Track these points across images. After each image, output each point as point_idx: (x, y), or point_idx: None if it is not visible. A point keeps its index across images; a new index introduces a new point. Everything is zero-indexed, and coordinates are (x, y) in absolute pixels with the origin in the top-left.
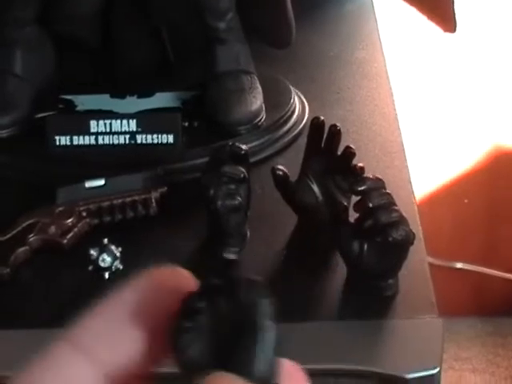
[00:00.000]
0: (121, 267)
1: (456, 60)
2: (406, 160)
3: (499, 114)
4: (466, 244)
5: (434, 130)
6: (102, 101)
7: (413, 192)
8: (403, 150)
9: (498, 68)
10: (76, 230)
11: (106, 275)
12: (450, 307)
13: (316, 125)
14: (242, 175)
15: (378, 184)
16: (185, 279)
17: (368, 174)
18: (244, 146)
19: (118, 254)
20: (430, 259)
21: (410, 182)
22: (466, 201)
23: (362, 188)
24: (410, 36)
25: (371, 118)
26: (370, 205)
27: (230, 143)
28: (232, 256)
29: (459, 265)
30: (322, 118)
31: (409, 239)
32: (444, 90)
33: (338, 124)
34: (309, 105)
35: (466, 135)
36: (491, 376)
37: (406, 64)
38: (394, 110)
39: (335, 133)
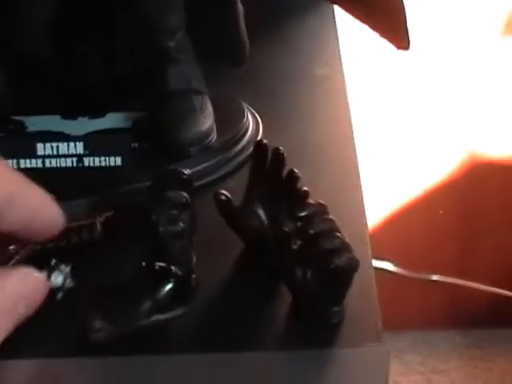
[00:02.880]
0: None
1: (426, 72)
2: (359, 180)
3: (473, 125)
4: (441, 256)
5: (407, 141)
6: (53, 122)
7: (364, 213)
8: (358, 170)
9: (468, 79)
10: (18, 257)
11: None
12: (427, 320)
13: (259, 148)
14: (185, 200)
15: (320, 209)
16: None
17: (315, 197)
18: (187, 171)
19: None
20: (405, 272)
21: (363, 203)
22: (441, 212)
23: (303, 214)
24: (371, 52)
25: (327, 137)
26: (312, 231)
27: (172, 167)
28: None
29: (435, 277)
30: (266, 141)
31: (352, 266)
32: (416, 102)
33: (281, 147)
34: (264, 124)
35: (439, 146)
36: None
37: (369, 79)
38: (351, 128)
39: (279, 156)
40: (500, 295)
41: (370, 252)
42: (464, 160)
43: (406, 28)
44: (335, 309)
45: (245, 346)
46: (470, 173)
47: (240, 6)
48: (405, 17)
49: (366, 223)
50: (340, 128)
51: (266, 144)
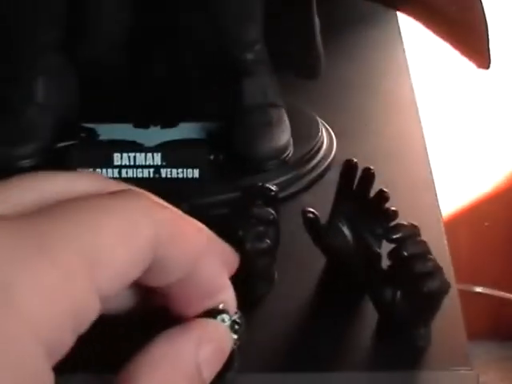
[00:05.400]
0: None
1: (481, 91)
2: (436, 199)
3: None
4: (485, 268)
5: (453, 153)
6: (125, 131)
7: (443, 233)
8: (434, 187)
9: None
10: None
11: None
12: (468, 331)
13: (348, 166)
14: (272, 217)
15: (413, 231)
16: None
17: (401, 219)
18: (274, 187)
19: None
20: None
21: (441, 223)
22: (486, 224)
23: (397, 236)
24: (438, 65)
25: (399, 152)
26: (405, 253)
27: (260, 184)
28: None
29: (478, 289)
30: (355, 160)
31: (444, 289)
32: (464, 112)
33: (371, 167)
34: (336, 137)
35: (486, 157)
36: None
37: (433, 94)
38: (424, 143)
39: (369, 176)
40: None
41: (453, 273)
42: (510, 172)
43: (488, 47)
44: (422, 331)
45: (328, 365)
46: None
47: (317, 19)
48: (487, 34)
49: (446, 242)
50: (411, 142)
51: (356, 163)
